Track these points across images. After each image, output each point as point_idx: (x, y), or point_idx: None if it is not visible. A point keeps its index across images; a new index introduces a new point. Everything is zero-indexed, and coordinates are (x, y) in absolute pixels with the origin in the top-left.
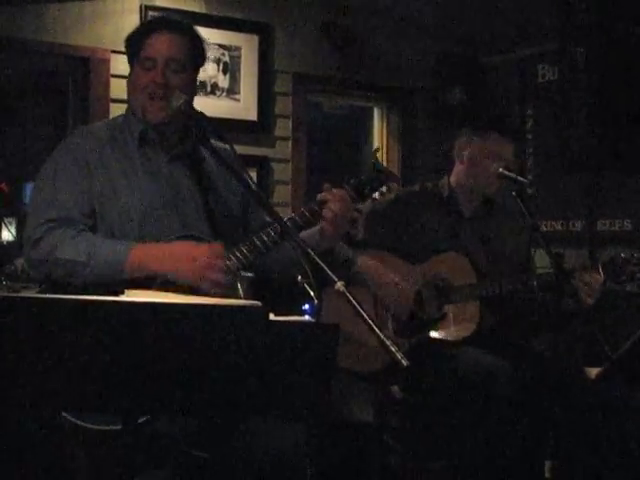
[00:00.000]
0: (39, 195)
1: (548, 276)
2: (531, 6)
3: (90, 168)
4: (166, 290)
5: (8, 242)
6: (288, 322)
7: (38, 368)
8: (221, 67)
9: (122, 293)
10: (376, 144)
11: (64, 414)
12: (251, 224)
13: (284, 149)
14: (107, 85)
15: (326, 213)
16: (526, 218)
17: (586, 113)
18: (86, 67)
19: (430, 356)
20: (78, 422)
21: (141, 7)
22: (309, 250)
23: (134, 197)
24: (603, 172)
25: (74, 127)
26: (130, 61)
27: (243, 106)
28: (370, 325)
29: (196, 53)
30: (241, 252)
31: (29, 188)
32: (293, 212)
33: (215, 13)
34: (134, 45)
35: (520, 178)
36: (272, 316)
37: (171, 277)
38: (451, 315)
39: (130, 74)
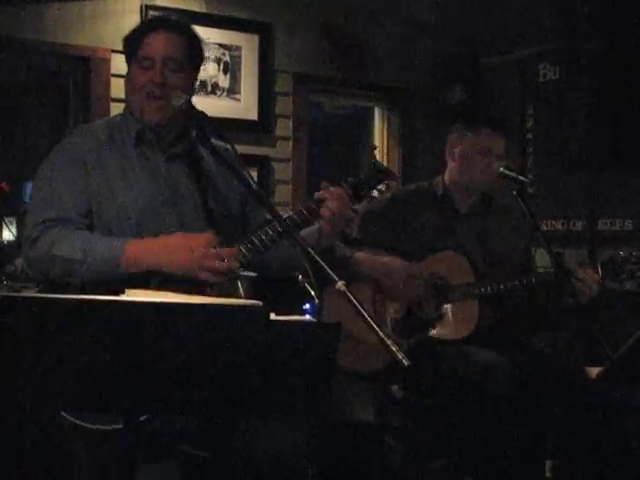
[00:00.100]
0: (37, 195)
1: (547, 275)
2: (532, 6)
3: (88, 167)
4: (166, 290)
5: (8, 242)
6: (289, 322)
7: (38, 368)
8: (221, 67)
9: (122, 292)
10: (376, 144)
11: (64, 414)
12: (250, 223)
13: (285, 149)
14: (108, 85)
15: (324, 212)
16: (527, 217)
17: (587, 113)
18: (87, 67)
19: (430, 355)
20: (78, 422)
21: (141, 7)
22: (309, 249)
23: (132, 196)
24: (604, 172)
25: (74, 126)
26: (128, 61)
27: (244, 106)
28: (371, 324)
29: (194, 52)
30: (240, 250)
31: (30, 187)
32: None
33: (215, 13)
34: (132, 44)
35: (521, 177)
36: (273, 316)
37: (168, 269)
38: (450, 314)
39: (128, 74)
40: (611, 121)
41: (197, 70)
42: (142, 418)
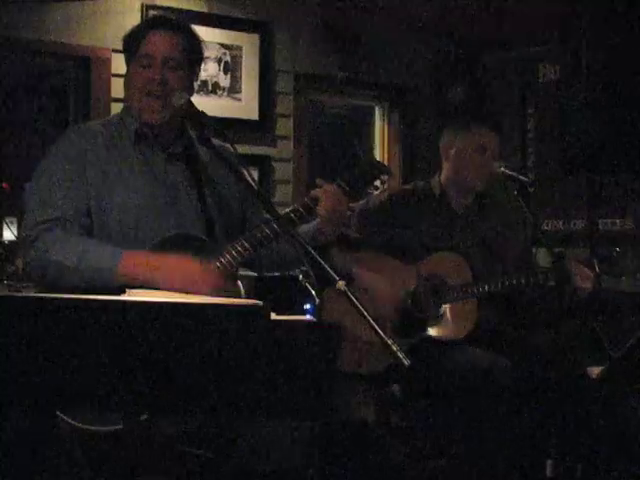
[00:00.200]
0: (35, 195)
1: (545, 272)
2: (532, 5)
3: (85, 167)
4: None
5: (9, 242)
6: (289, 321)
7: (38, 368)
8: (222, 66)
9: (123, 292)
10: (377, 143)
11: (61, 416)
12: (249, 222)
13: (285, 148)
14: (108, 84)
15: (320, 211)
16: (527, 217)
17: (587, 112)
18: (87, 66)
19: (429, 355)
20: (76, 424)
21: (142, 6)
22: (310, 249)
23: (130, 196)
24: (604, 171)
25: (72, 125)
26: (127, 60)
27: (244, 105)
28: (372, 324)
29: (194, 51)
30: (242, 246)
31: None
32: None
33: (216, 12)
34: (131, 43)
35: (521, 177)
36: (273, 315)
37: (159, 287)
38: (449, 314)
39: (127, 73)
40: (611, 120)
41: (196, 69)
42: (142, 418)
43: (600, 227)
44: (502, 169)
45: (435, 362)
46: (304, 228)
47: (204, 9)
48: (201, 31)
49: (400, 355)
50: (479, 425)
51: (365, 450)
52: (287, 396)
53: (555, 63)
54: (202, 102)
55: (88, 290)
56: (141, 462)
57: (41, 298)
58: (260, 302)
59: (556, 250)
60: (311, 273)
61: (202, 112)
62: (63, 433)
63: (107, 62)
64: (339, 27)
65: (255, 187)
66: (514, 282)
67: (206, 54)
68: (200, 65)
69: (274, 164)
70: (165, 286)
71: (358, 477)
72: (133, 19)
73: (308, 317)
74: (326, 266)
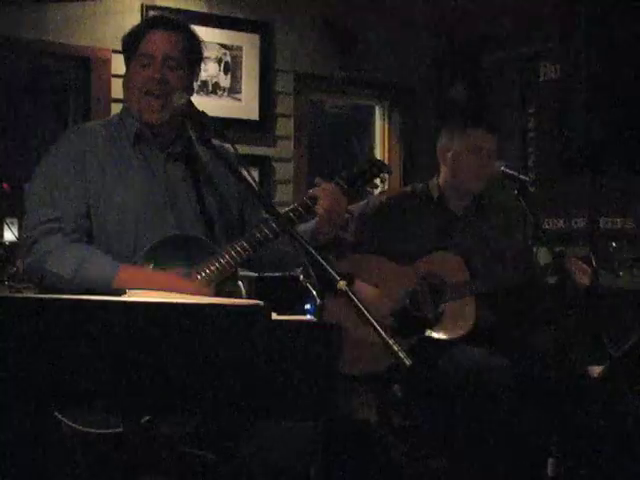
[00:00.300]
0: (34, 195)
1: (544, 269)
2: (533, 4)
3: (85, 167)
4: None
5: (10, 242)
6: (290, 321)
7: (38, 369)
8: (222, 66)
9: (124, 293)
10: (378, 142)
11: (62, 418)
12: (249, 222)
13: (286, 148)
14: (108, 85)
15: (318, 210)
16: (528, 216)
17: (588, 111)
18: (87, 67)
19: (429, 355)
20: (76, 426)
21: (142, 7)
22: (311, 249)
23: (129, 196)
24: (605, 170)
25: (72, 126)
26: (126, 60)
27: (244, 105)
28: (373, 324)
29: (193, 51)
30: (241, 246)
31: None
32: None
33: (216, 12)
34: (131, 43)
35: (522, 176)
36: (274, 316)
37: None
38: (448, 313)
39: (127, 72)
40: (612, 119)
41: (196, 69)
42: (144, 420)
43: (601, 226)
44: (502, 169)
45: (435, 362)
46: (302, 227)
47: (204, 9)
48: (201, 31)
49: (401, 355)
50: (480, 425)
51: (366, 450)
52: (288, 396)
53: (555, 62)
54: (202, 102)
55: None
56: (142, 463)
57: (41, 299)
58: (261, 302)
59: (557, 249)
60: (312, 273)
61: (202, 112)
62: (63, 434)
63: (107, 62)
64: (339, 27)
65: (255, 187)
66: (513, 281)
67: (206, 54)
68: (200, 65)
69: (274, 164)
70: None
71: (360, 477)
72: (133, 19)
73: (309, 317)
74: (327, 266)
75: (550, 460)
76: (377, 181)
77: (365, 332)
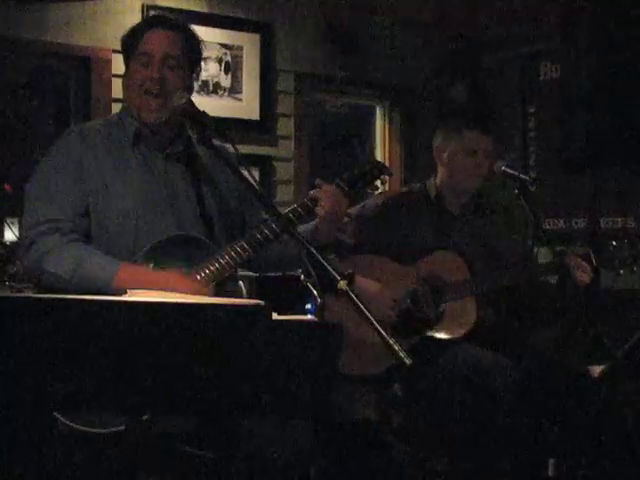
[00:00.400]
0: (33, 196)
1: (544, 268)
2: (533, 4)
3: (84, 167)
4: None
5: (11, 242)
6: (291, 321)
7: (38, 368)
8: (223, 66)
9: (125, 293)
10: (378, 143)
11: (60, 418)
12: (249, 222)
13: (286, 148)
14: (109, 85)
15: (319, 211)
16: (528, 216)
17: (588, 111)
18: (87, 67)
19: (430, 355)
20: (73, 425)
21: (143, 7)
22: (312, 249)
23: (128, 195)
24: (606, 170)
25: (71, 126)
26: (125, 59)
27: (245, 105)
28: (373, 323)
29: (192, 51)
30: (241, 247)
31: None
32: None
33: (216, 12)
34: (130, 42)
35: (522, 176)
36: (275, 315)
37: None
38: (448, 313)
39: (126, 72)
40: (612, 119)
41: (195, 68)
42: (144, 418)
43: (602, 226)
44: (503, 168)
45: (435, 362)
46: (302, 229)
47: (205, 9)
48: (202, 31)
49: (402, 355)
50: (480, 424)
51: (366, 450)
52: (288, 395)
53: (556, 62)
54: (203, 102)
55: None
56: (141, 462)
57: (41, 298)
58: (261, 302)
59: (557, 249)
60: (312, 273)
61: (203, 112)
62: (62, 434)
63: (108, 62)
64: (339, 27)
65: (256, 187)
66: (513, 279)
67: (207, 54)
68: (199, 65)
69: (275, 164)
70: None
71: (360, 477)
72: (134, 19)
73: (309, 317)
74: (327, 266)
75: (550, 460)
76: (378, 183)
77: (365, 332)
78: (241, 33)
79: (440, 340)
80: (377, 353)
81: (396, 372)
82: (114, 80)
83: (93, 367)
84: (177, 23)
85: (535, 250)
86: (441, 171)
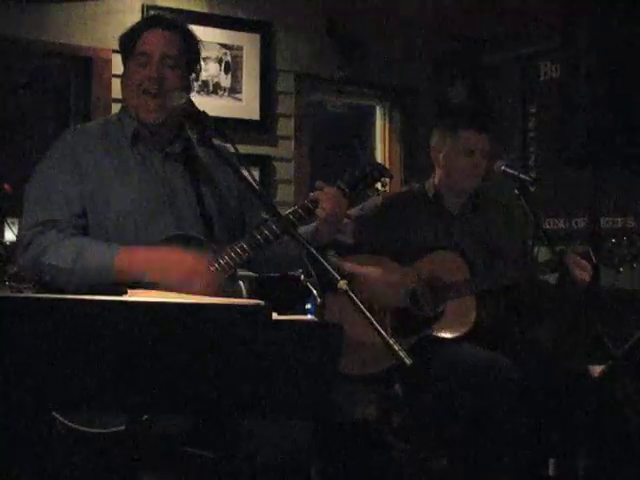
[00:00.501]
0: (31, 197)
1: (544, 267)
2: (533, 4)
3: (82, 169)
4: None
5: (11, 242)
6: (291, 321)
7: (38, 369)
8: (223, 67)
9: (125, 293)
10: (378, 142)
11: (60, 418)
12: (249, 222)
13: (286, 148)
14: (109, 85)
15: (319, 213)
16: (528, 215)
17: (588, 111)
18: (88, 67)
19: (430, 354)
20: (73, 425)
21: (143, 7)
22: (312, 249)
23: (128, 197)
24: (606, 169)
25: (70, 127)
26: (124, 59)
27: (245, 105)
28: (373, 323)
29: (191, 50)
30: (241, 248)
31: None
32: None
33: (216, 12)
34: (129, 42)
35: (522, 176)
36: (275, 315)
37: (157, 281)
38: (448, 312)
39: (124, 72)
40: (613, 119)
41: (194, 68)
42: (144, 418)
43: (602, 225)
44: (503, 168)
45: (435, 361)
46: (302, 230)
47: (205, 9)
48: (202, 31)
49: (402, 354)
50: (480, 424)
51: (367, 449)
52: (288, 395)
53: (556, 62)
54: (203, 102)
55: (90, 291)
56: (140, 462)
57: (41, 299)
58: (261, 302)
59: (557, 249)
60: (313, 273)
61: (203, 112)
62: (62, 434)
63: (108, 63)
64: (339, 27)
65: (256, 187)
66: (512, 278)
67: (207, 54)
68: (198, 64)
69: (275, 164)
70: (162, 280)
71: (360, 477)
72: (134, 20)
73: (309, 317)
74: (328, 266)
75: (551, 460)
76: (378, 185)
77: (366, 332)
78: (241, 33)
79: (440, 339)
80: (377, 353)
81: (396, 372)
82: (114, 80)
83: (93, 367)
84: (175, 23)
85: (535, 250)
86: (439, 171)
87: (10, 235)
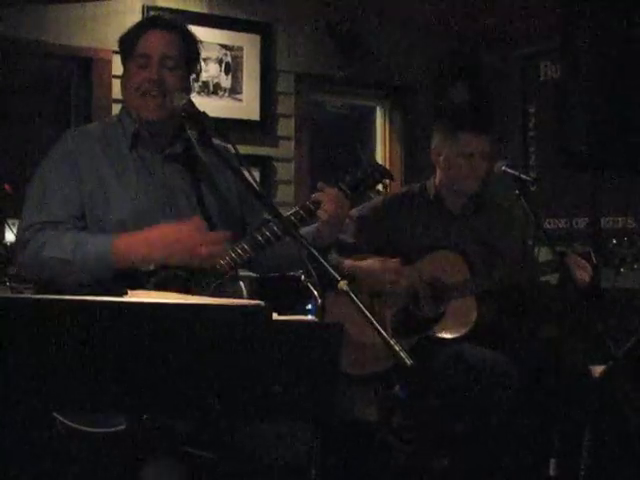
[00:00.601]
0: (29, 199)
1: (545, 267)
2: (533, 4)
3: (82, 171)
4: (165, 290)
5: (12, 243)
6: (291, 322)
7: (38, 368)
8: (223, 67)
9: (125, 294)
10: (378, 143)
11: (60, 418)
12: (250, 223)
13: (287, 149)
14: (109, 86)
15: (321, 214)
16: (529, 216)
17: (588, 111)
18: (88, 68)
19: (430, 355)
20: (75, 425)
21: (143, 8)
22: (312, 249)
23: (127, 198)
24: (606, 170)
25: (70, 129)
26: (124, 60)
27: (245, 106)
28: (373, 323)
29: (190, 51)
30: (242, 248)
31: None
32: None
33: (217, 13)
34: (128, 43)
35: (523, 176)
36: (275, 316)
37: (160, 260)
38: (449, 313)
39: (124, 73)
40: (613, 118)
41: (193, 69)
42: (144, 418)
43: (602, 225)
44: (504, 168)
45: (436, 361)
46: (303, 231)
47: (205, 10)
48: (202, 32)
49: (402, 355)
50: (481, 424)
51: (367, 450)
52: (289, 396)
53: (556, 62)
54: (203, 103)
55: (90, 291)
56: (141, 462)
57: (41, 299)
58: (262, 302)
59: (558, 249)
60: (313, 273)
61: (203, 112)
62: (61, 434)
63: (108, 63)
64: (339, 27)
65: (256, 188)
66: (513, 278)
67: (207, 55)
68: (197, 65)
69: (275, 164)
70: (163, 257)
71: (360, 477)
72: (134, 20)
73: (310, 317)
74: (328, 266)
75: (552, 460)
76: (379, 187)
77: (366, 332)
78: (241, 34)
79: (441, 340)
80: (377, 353)
81: (396, 372)
82: (115, 81)
83: (93, 367)
84: (174, 24)
85: (536, 250)
86: (439, 172)
87: (10, 236)
